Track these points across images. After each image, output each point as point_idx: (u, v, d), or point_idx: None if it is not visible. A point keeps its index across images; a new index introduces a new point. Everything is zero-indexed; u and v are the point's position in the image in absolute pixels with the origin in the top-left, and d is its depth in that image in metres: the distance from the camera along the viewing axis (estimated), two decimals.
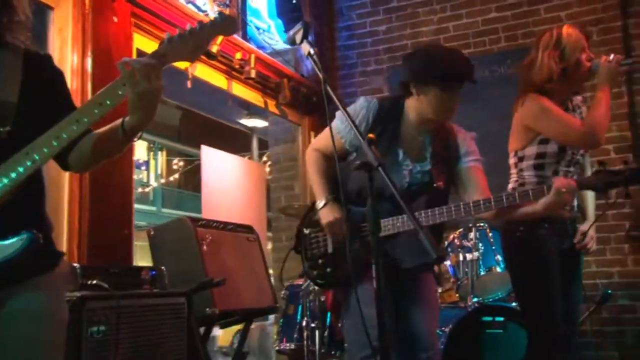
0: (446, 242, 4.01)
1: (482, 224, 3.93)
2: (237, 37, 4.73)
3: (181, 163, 19.73)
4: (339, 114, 2.30)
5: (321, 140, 2.51)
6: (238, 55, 4.57)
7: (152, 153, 20.29)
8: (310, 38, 2.06)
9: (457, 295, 4.01)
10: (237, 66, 4.60)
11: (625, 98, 5.13)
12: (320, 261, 2.41)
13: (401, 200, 1.60)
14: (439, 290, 3.95)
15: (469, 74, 2.25)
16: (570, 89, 2.77)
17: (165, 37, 1.51)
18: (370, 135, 1.77)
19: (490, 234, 3.91)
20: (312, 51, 2.02)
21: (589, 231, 2.71)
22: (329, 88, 1.93)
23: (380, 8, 6.07)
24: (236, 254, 3.54)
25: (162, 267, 2.89)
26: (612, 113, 5.01)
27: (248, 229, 3.78)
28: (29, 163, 1.43)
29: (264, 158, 10.55)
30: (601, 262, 4.88)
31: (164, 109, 18.24)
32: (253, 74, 4.63)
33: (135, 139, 1.55)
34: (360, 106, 2.35)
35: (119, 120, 1.55)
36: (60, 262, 1.61)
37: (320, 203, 2.35)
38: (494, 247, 3.87)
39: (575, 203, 2.72)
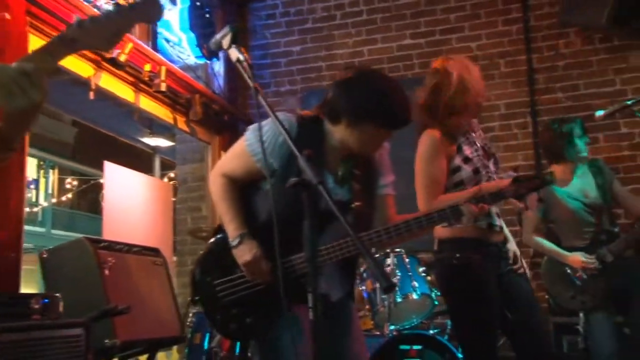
0: (361, 268, 3.91)
1: (399, 250, 3.86)
2: (147, 48, 4.45)
3: (75, 182, 18.75)
4: (252, 129, 2.05)
5: (230, 162, 2.14)
6: (147, 67, 4.30)
7: (42, 171, 19.15)
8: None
9: (372, 322, 3.91)
10: (146, 78, 4.32)
11: (530, 128, 5.31)
12: (234, 311, 2.08)
13: (345, 223, 1.44)
14: None
15: (409, 118, 2.02)
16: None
17: (75, 20, 1.28)
18: (308, 151, 1.58)
19: (407, 260, 3.85)
20: (241, 57, 1.83)
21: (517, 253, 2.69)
22: (261, 98, 1.76)
23: (295, 28, 5.99)
24: (141, 279, 3.25)
25: (57, 294, 2.56)
26: (517, 143, 5.36)
27: (154, 252, 3.50)
28: None
29: (165, 179, 10.15)
30: None
31: (58, 125, 17.30)
32: (163, 87, 4.37)
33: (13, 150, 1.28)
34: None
35: None
36: None
37: (234, 240, 2.04)
38: (410, 274, 3.81)
39: (498, 223, 2.67)
